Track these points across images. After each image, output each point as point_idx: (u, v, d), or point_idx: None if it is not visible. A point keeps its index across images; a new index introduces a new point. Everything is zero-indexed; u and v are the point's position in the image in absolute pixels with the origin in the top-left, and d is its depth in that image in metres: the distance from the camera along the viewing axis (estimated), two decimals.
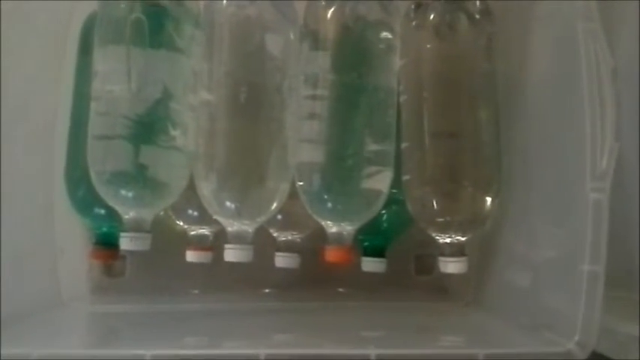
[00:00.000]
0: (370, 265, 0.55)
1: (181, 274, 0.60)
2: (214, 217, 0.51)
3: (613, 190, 0.39)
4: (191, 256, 0.55)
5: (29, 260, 0.54)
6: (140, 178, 0.48)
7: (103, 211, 0.53)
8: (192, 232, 0.56)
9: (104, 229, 0.55)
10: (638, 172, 0.47)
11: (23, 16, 0.53)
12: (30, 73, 0.55)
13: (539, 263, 0.47)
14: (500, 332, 0.49)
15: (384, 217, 0.55)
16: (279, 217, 0.54)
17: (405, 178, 0.52)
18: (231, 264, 0.50)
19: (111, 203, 0.49)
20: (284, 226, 0.56)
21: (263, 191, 0.50)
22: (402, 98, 0.52)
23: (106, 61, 0.49)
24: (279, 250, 0.56)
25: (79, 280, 0.60)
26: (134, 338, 0.50)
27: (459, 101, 0.51)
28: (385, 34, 0.51)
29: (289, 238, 0.56)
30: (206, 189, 0.49)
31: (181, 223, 0.56)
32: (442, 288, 0.61)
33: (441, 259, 0.51)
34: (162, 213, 0.53)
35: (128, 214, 0.49)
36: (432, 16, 0.51)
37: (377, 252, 0.56)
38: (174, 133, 0.49)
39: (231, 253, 0.50)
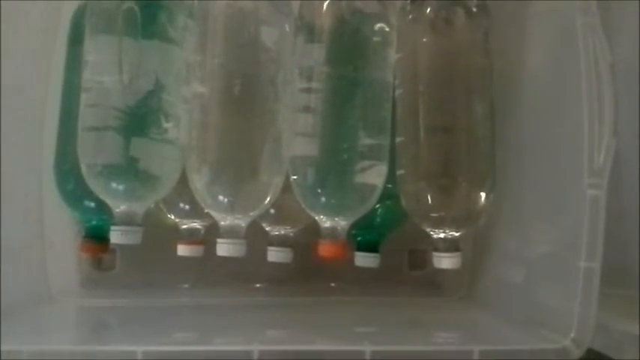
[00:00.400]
0: (363, 260, 0.55)
1: (172, 268, 0.59)
2: (207, 211, 0.50)
3: (609, 186, 0.39)
4: (182, 250, 0.54)
5: (18, 254, 0.53)
6: (131, 171, 0.47)
7: (92, 204, 0.53)
8: (184, 226, 0.55)
9: (94, 222, 0.54)
10: (638, 169, 0.47)
11: (13, 6, 0.52)
12: (19, 64, 0.54)
13: (534, 259, 0.47)
14: (495, 328, 0.49)
15: (378, 211, 0.55)
16: (272, 211, 0.54)
17: (400, 172, 0.51)
18: (223, 258, 0.50)
19: (101, 196, 0.48)
20: (277, 221, 0.55)
21: (256, 185, 0.49)
22: (398, 92, 0.52)
23: (97, 51, 0.48)
24: (271, 244, 0.55)
25: (69, 274, 0.59)
26: (125, 334, 0.50)
27: (454, 96, 0.50)
28: (381, 28, 0.51)
29: (282, 232, 0.56)
30: (199, 182, 0.49)
31: (173, 217, 0.55)
32: (435, 283, 0.61)
33: (435, 254, 0.51)
34: (153, 206, 0.52)
35: (119, 208, 0.48)
36: (428, 10, 0.50)
37: (370, 247, 0.55)
38: (166, 125, 0.48)
39: (224, 248, 0.49)
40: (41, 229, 0.57)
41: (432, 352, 0.40)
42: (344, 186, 0.50)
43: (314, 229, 0.52)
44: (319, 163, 0.49)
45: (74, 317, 0.58)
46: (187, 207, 0.54)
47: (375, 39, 0.51)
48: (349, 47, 0.51)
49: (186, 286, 0.61)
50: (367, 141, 0.50)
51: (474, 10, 0.50)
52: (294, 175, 0.50)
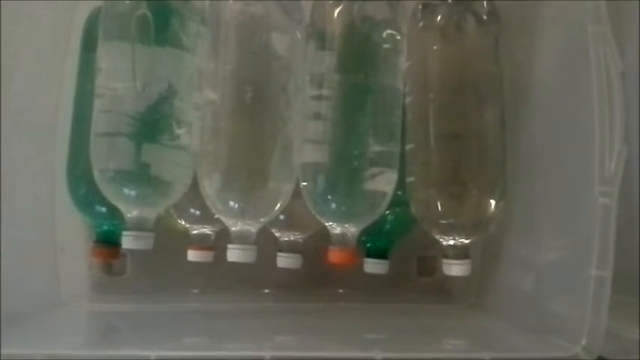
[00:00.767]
0: (373, 266, 0.55)
1: (182, 274, 0.59)
2: (217, 216, 0.51)
3: (620, 193, 0.39)
4: (193, 255, 0.54)
5: (30, 258, 0.54)
6: (143, 177, 0.48)
7: (104, 209, 0.53)
8: (194, 232, 0.55)
9: (105, 227, 0.55)
10: (638, 175, 0.47)
11: (26, 13, 0.53)
12: (32, 70, 0.54)
13: (544, 266, 0.47)
14: (505, 336, 0.49)
15: (388, 218, 0.55)
16: (282, 217, 0.54)
17: (410, 179, 0.52)
18: (232, 264, 0.50)
19: (114, 202, 0.49)
20: (286, 227, 0.55)
21: (267, 191, 0.49)
22: (408, 99, 0.52)
23: (110, 57, 0.48)
24: (281, 250, 0.55)
25: (80, 279, 0.59)
26: (135, 338, 0.50)
27: (464, 103, 0.50)
28: (392, 35, 0.51)
29: (291, 238, 0.56)
30: (210, 188, 0.49)
31: (183, 222, 0.55)
32: (444, 290, 0.61)
33: (445, 261, 0.51)
34: (163, 211, 0.52)
35: (131, 213, 0.49)
36: (439, 17, 0.50)
37: (380, 253, 0.55)
38: (178, 131, 0.48)
39: (235, 254, 0.50)
40: (53, 233, 0.58)
41: (442, 359, 0.40)
42: (354, 193, 0.50)
43: (323, 235, 0.52)
44: (329, 170, 0.50)
45: (85, 322, 0.58)
46: (198, 212, 0.54)
47: (386, 46, 0.51)
48: (360, 54, 0.51)
49: (196, 291, 0.61)
50: (377, 148, 0.50)
51: (485, 17, 0.51)
52: (304, 182, 0.50)
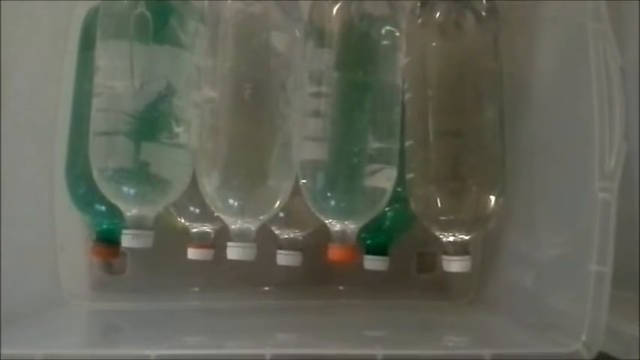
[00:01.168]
0: (373, 263, 0.55)
1: (182, 272, 0.59)
2: (217, 214, 0.51)
3: (619, 189, 0.39)
4: (192, 253, 0.54)
5: (30, 258, 0.54)
6: (142, 175, 0.48)
7: (103, 208, 0.53)
8: (194, 230, 0.55)
9: (105, 226, 0.54)
10: (638, 171, 0.47)
11: (25, 12, 0.52)
12: (31, 70, 0.54)
13: (544, 262, 0.47)
14: (505, 332, 0.49)
15: (387, 215, 0.55)
16: (282, 214, 0.54)
17: (409, 176, 0.52)
18: (232, 262, 0.50)
19: (113, 200, 0.49)
20: (286, 224, 0.55)
21: (267, 189, 0.49)
22: (407, 96, 0.52)
23: (109, 56, 0.48)
24: (281, 247, 0.55)
25: (80, 278, 0.59)
26: (136, 337, 0.50)
27: (463, 100, 0.50)
28: (391, 32, 0.51)
29: (291, 235, 0.56)
30: (209, 186, 0.49)
31: (183, 220, 0.55)
32: (444, 286, 0.61)
33: (445, 257, 0.51)
34: (163, 210, 0.52)
35: (130, 212, 0.49)
36: (437, 14, 0.50)
37: (379, 250, 0.55)
38: (177, 129, 0.48)
39: (234, 251, 0.50)
40: (53, 233, 0.58)
41: (443, 355, 0.40)
42: (353, 190, 0.50)
43: (323, 233, 0.52)
44: (329, 167, 0.50)
45: (86, 321, 0.58)
46: (197, 211, 0.54)
47: (385, 43, 0.51)
48: (359, 51, 0.51)
49: (196, 289, 0.61)
50: (377, 145, 0.50)
51: (484, 13, 0.51)
52: (303, 179, 0.50)
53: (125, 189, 0.48)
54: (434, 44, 0.51)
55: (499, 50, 0.51)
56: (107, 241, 0.54)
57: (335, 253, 0.51)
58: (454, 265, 0.50)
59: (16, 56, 0.51)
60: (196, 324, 0.55)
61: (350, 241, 0.51)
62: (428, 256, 0.61)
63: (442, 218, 0.50)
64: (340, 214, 0.50)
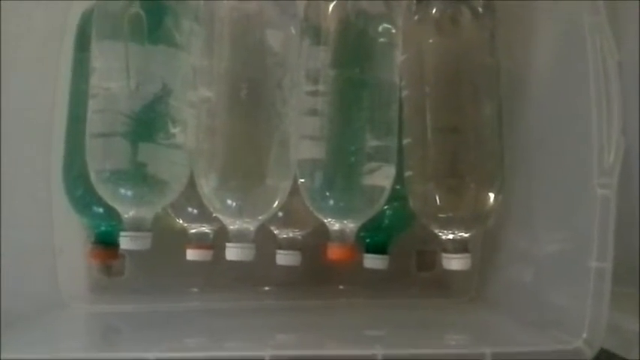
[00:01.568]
0: (372, 262, 0.55)
1: (181, 273, 0.59)
2: (215, 215, 0.50)
3: (619, 185, 0.39)
4: (191, 254, 0.54)
5: (29, 260, 0.54)
6: (139, 177, 0.48)
7: (101, 210, 0.53)
8: (192, 230, 0.55)
9: (103, 228, 0.54)
10: (638, 168, 0.47)
11: (20, 12, 0.52)
12: (27, 71, 0.54)
13: (544, 259, 0.47)
14: (506, 330, 0.49)
15: (386, 213, 0.55)
16: (280, 214, 0.54)
17: (408, 174, 0.51)
18: (231, 262, 0.50)
19: (110, 202, 0.49)
20: (285, 224, 0.55)
21: (265, 189, 0.49)
22: (404, 93, 0.52)
23: (104, 57, 0.48)
24: (280, 247, 0.55)
25: (79, 280, 0.59)
26: (135, 339, 0.50)
27: (461, 96, 0.50)
28: (387, 29, 0.51)
29: (290, 235, 0.56)
30: (207, 187, 0.49)
31: (181, 221, 0.55)
32: (444, 284, 0.61)
33: (445, 255, 0.50)
34: (161, 211, 0.52)
35: (128, 213, 0.49)
36: (434, 10, 0.50)
37: (379, 249, 0.55)
38: (173, 130, 0.48)
39: (233, 252, 0.49)
40: (51, 235, 0.58)
41: (444, 354, 0.40)
42: (352, 188, 0.50)
43: (322, 232, 0.52)
44: (327, 166, 0.49)
45: (85, 323, 0.58)
46: (195, 211, 0.54)
47: (381, 40, 0.51)
48: (355, 49, 0.51)
49: (195, 290, 0.61)
50: (374, 143, 0.50)
51: (480, 10, 0.50)
52: (301, 178, 0.50)
53: (122, 191, 0.47)
54: (430, 41, 0.50)
55: (496, 46, 0.51)
56: (105, 244, 0.54)
57: (334, 252, 0.51)
58: (454, 262, 0.50)
59: (12, 57, 0.50)
60: (196, 325, 0.55)
61: (349, 240, 0.50)
62: (427, 254, 0.60)
63: (441, 216, 0.49)
64: (339, 213, 0.50)
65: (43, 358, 0.38)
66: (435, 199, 0.49)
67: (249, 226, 0.50)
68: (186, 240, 0.55)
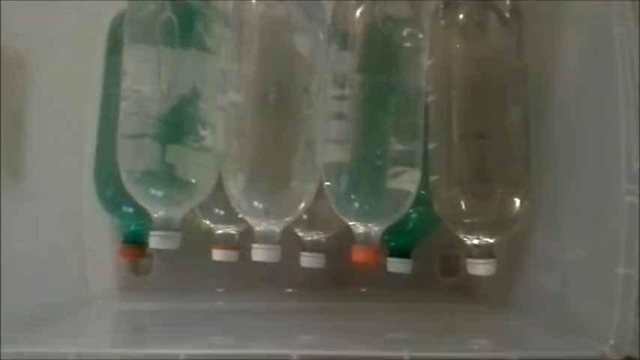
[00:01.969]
0: (396, 265, 0.55)
1: (207, 273, 0.60)
2: (242, 216, 0.51)
3: None
4: (217, 254, 0.55)
5: (59, 258, 0.55)
6: (168, 178, 0.48)
7: (131, 210, 0.54)
8: (219, 231, 0.56)
9: (132, 228, 0.55)
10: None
11: (52, 17, 0.54)
12: (59, 74, 0.55)
13: (570, 265, 0.47)
14: (531, 335, 0.49)
15: (411, 217, 0.55)
16: (305, 216, 0.54)
17: (433, 178, 0.51)
18: (256, 263, 0.50)
19: (141, 202, 0.50)
20: (310, 226, 0.56)
21: (291, 191, 0.50)
22: (430, 98, 0.52)
23: (136, 60, 0.49)
24: (304, 249, 0.56)
25: (107, 278, 0.60)
26: (162, 337, 0.51)
27: (488, 101, 0.50)
28: (414, 34, 0.51)
29: (315, 237, 0.56)
30: (234, 189, 0.49)
31: (208, 222, 0.56)
32: (468, 289, 0.60)
33: (470, 260, 0.50)
34: (188, 212, 0.53)
35: (158, 213, 0.49)
36: (461, 16, 0.50)
37: (403, 252, 0.55)
38: (203, 132, 0.49)
39: (259, 253, 0.50)
40: (81, 235, 0.59)
41: (469, 358, 0.40)
42: (377, 192, 0.50)
43: (346, 235, 0.52)
44: (352, 169, 0.50)
45: (113, 320, 0.59)
46: (222, 212, 0.55)
47: (408, 45, 0.51)
48: (382, 54, 0.51)
49: (220, 290, 0.62)
50: (400, 147, 0.50)
51: (507, 15, 0.50)
52: (327, 181, 0.51)
53: (153, 191, 0.48)
54: (457, 46, 0.50)
55: (523, 50, 0.51)
56: (134, 242, 0.56)
57: (359, 255, 0.51)
58: (479, 268, 0.50)
59: (44, 60, 0.52)
60: (221, 324, 0.56)
61: (374, 243, 0.51)
62: (452, 258, 0.60)
63: (466, 221, 0.49)
64: (364, 216, 0.50)
65: (75, 352, 0.38)
66: (461, 204, 0.49)
67: (275, 227, 0.50)
68: (213, 240, 0.56)
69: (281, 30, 0.50)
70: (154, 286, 0.61)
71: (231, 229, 0.56)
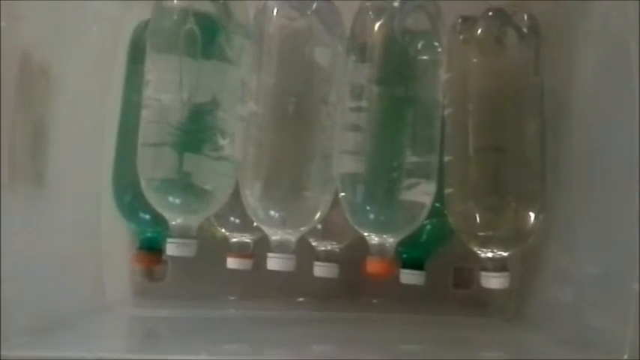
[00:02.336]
0: (409, 277, 0.55)
1: (220, 281, 0.60)
2: (258, 225, 0.51)
3: None
4: (232, 262, 0.55)
5: (76, 264, 0.55)
6: (185, 186, 0.49)
7: (148, 217, 0.54)
8: (234, 239, 0.56)
9: (148, 234, 0.56)
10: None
11: (74, 25, 0.54)
12: (81, 82, 0.56)
13: (585, 280, 0.47)
14: (544, 350, 0.49)
15: (424, 229, 0.55)
16: (319, 226, 0.55)
17: (448, 191, 0.52)
18: (269, 272, 0.51)
19: (159, 209, 0.50)
20: (324, 236, 0.56)
21: (308, 201, 0.50)
22: (447, 111, 0.52)
23: (158, 70, 0.50)
24: (318, 259, 0.56)
25: (123, 284, 0.61)
26: (177, 344, 0.51)
27: (504, 115, 0.50)
28: (432, 47, 0.51)
29: (329, 248, 0.56)
30: (251, 197, 0.50)
31: (223, 230, 0.57)
32: (481, 302, 0.60)
33: (483, 273, 0.50)
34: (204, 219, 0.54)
35: (175, 221, 0.50)
36: (479, 31, 0.51)
37: (416, 264, 0.55)
38: (222, 142, 0.50)
39: (275, 262, 0.50)
40: (98, 241, 0.60)
41: None
42: (393, 203, 0.50)
43: (359, 245, 0.52)
44: (367, 181, 0.50)
45: (127, 326, 0.60)
46: (237, 221, 0.55)
47: (426, 58, 0.51)
48: (400, 66, 0.51)
49: (233, 298, 0.62)
50: (416, 159, 0.50)
51: (525, 30, 0.51)
52: (343, 192, 0.51)
53: (171, 199, 0.49)
54: (475, 60, 0.51)
55: (541, 65, 0.51)
56: (150, 249, 0.56)
57: (374, 266, 0.51)
58: (493, 281, 0.50)
59: (66, 68, 0.52)
60: (233, 332, 0.56)
61: (388, 254, 0.51)
62: (465, 271, 0.60)
63: (481, 234, 0.50)
64: (379, 228, 0.50)
65: (94, 357, 0.39)
66: (475, 218, 0.49)
67: (291, 237, 0.51)
68: (227, 248, 0.56)
69: (301, 42, 0.51)
70: (168, 293, 0.61)
71: (246, 238, 0.56)
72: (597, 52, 0.48)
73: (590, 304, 0.46)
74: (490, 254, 0.50)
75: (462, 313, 0.61)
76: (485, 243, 0.50)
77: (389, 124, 0.51)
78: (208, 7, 0.50)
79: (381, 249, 0.51)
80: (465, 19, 0.52)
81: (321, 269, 0.55)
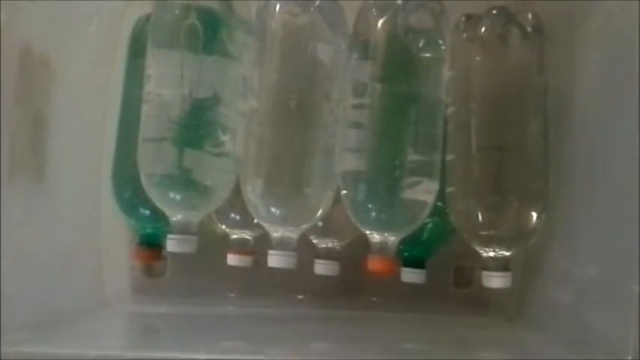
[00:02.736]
0: (410, 275, 0.55)
1: (220, 277, 0.60)
2: (259, 222, 0.51)
3: None
4: (232, 259, 0.55)
5: (75, 260, 0.55)
6: (185, 182, 0.49)
7: (147, 212, 0.54)
8: (234, 236, 0.56)
9: (148, 230, 0.56)
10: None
11: (75, 19, 0.54)
12: (80, 76, 0.56)
13: (586, 280, 0.47)
14: (545, 349, 0.49)
15: (426, 228, 0.54)
16: (320, 224, 0.54)
17: (450, 190, 0.51)
18: (269, 269, 0.51)
19: (160, 205, 0.50)
20: (324, 234, 0.56)
21: (309, 198, 0.50)
22: (450, 110, 0.52)
23: (160, 65, 0.50)
24: (318, 257, 0.56)
25: (122, 280, 0.61)
26: (176, 340, 0.51)
27: (507, 114, 0.50)
28: (435, 45, 0.51)
29: (329, 245, 0.56)
30: (253, 194, 0.50)
31: (223, 227, 0.56)
32: (482, 302, 0.60)
33: (485, 273, 0.50)
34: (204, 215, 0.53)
35: (175, 217, 0.50)
36: (482, 29, 0.50)
37: (417, 263, 0.55)
38: (223, 137, 0.50)
39: (275, 259, 0.50)
40: (98, 236, 0.59)
41: None
42: (394, 202, 0.50)
43: (360, 243, 0.52)
44: (369, 178, 0.50)
45: (127, 322, 0.60)
46: (238, 217, 0.55)
47: (429, 56, 0.51)
48: (402, 64, 0.51)
49: (232, 295, 0.62)
50: (418, 157, 0.50)
51: (529, 29, 0.50)
52: (344, 190, 0.51)
53: (171, 194, 0.49)
54: (478, 59, 0.51)
55: (544, 64, 0.51)
56: (149, 245, 0.56)
57: (375, 264, 0.51)
58: (494, 280, 0.50)
59: (66, 62, 0.52)
60: (233, 329, 0.56)
61: (390, 252, 0.50)
62: (466, 270, 0.60)
63: (482, 233, 0.50)
64: (381, 226, 0.50)
65: (94, 354, 0.39)
66: (477, 217, 0.49)
67: (292, 234, 0.51)
68: (227, 245, 0.56)
69: (303, 38, 0.50)
70: (167, 289, 0.61)
71: (247, 235, 0.56)
72: (600, 52, 0.48)
73: (591, 304, 0.46)
74: (492, 253, 0.50)
75: (463, 313, 0.60)
76: (487, 242, 0.50)
77: (391, 121, 0.50)
78: (210, 3, 0.50)
79: (382, 247, 0.51)
80: (468, 17, 0.52)
81: (321, 267, 0.55)
